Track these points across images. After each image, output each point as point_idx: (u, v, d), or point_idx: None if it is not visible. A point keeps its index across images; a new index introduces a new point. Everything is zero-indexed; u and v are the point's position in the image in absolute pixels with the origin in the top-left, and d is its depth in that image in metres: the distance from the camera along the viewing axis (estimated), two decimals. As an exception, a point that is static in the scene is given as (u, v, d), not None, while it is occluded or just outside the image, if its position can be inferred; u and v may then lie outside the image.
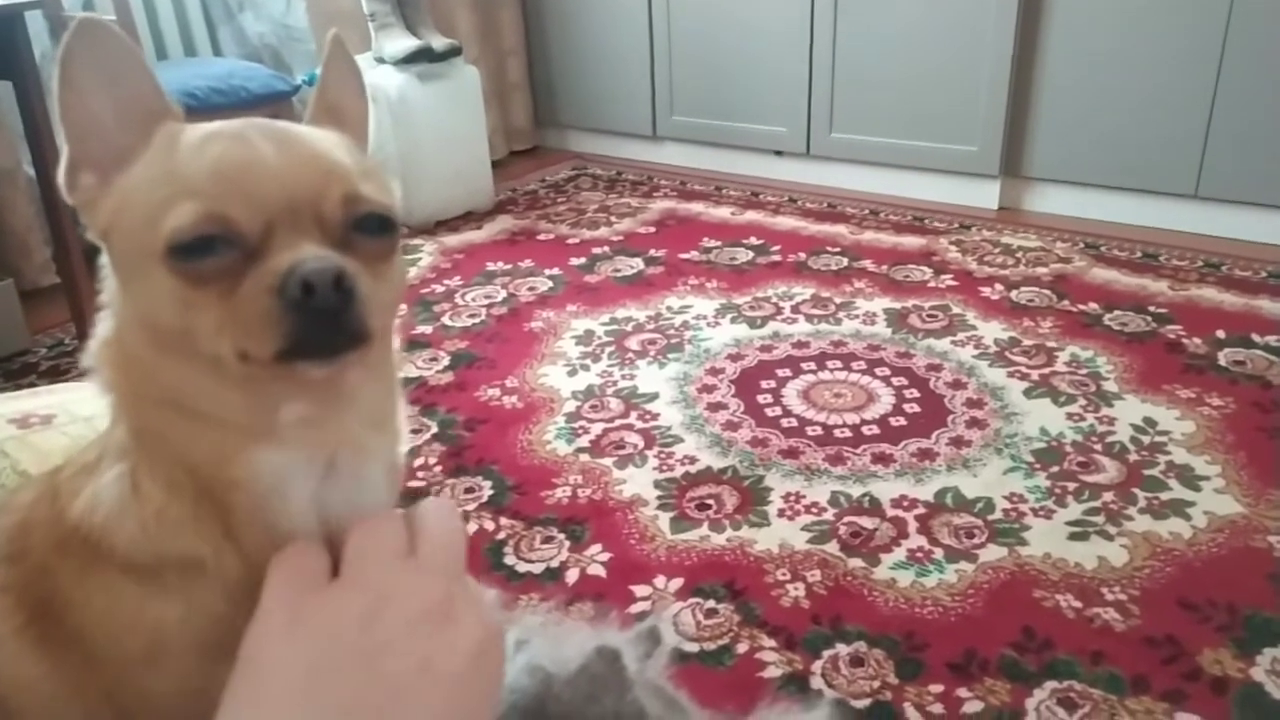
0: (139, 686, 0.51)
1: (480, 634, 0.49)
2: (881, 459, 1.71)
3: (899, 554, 1.46)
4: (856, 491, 1.62)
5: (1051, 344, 2.10)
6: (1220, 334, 2.10)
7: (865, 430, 1.80)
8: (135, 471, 0.50)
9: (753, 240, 2.76)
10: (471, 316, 2.34)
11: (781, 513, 1.57)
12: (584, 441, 1.79)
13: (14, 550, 0.53)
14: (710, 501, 1.61)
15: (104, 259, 0.51)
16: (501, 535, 1.54)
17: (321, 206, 0.47)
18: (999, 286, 2.39)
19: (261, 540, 0.50)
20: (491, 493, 1.65)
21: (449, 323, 2.31)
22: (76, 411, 0.73)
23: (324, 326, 0.45)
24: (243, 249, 0.46)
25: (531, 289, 2.49)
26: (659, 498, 1.62)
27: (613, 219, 2.98)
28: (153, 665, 0.50)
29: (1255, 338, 2.08)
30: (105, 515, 0.50)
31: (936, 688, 1.22)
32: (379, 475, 0.54)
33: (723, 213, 3.00)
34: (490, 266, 2.65)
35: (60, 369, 2.19)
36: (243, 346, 0.45)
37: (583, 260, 2.67)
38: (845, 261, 2.59)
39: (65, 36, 0.48)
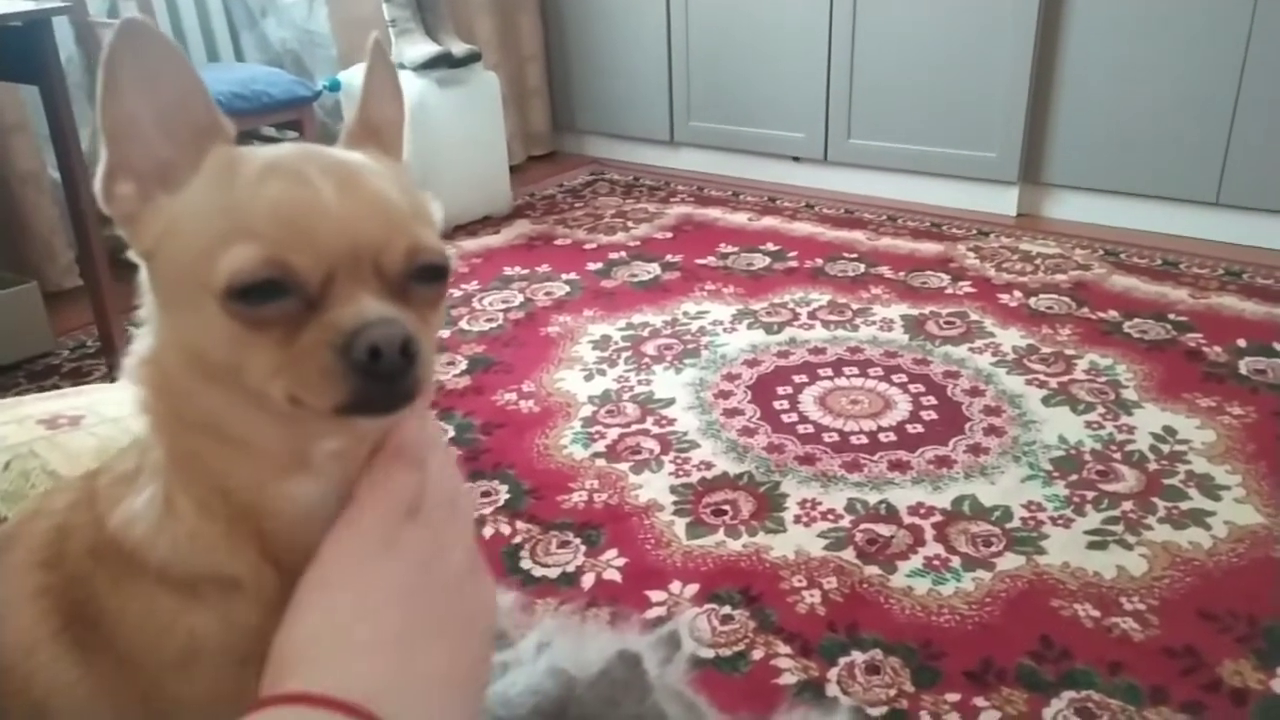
0: (172, 692, 0.51)
1: (491, 595, 0.55)
2: (898, 466, 1.70)
3: (916, 561, 1.46)
4: (873, 498, 1.61)
5: (1070, 351, 2.09)
6: (1241, 342, 2.08)
7: (882, 437, 1.80)
8: (169, 491, 0.50)
9: (770, 246, 2.76)
10: (489, 321, 2.36)
11: (798, 519, 1.57)
12: (600, 446, 1.80)
13: (51, 555, 0.53)
14: (726, 507, 1.61)
15: (143, 277, 0.50)
16: (518, 539, 1.54)
17: (383, 257, 0.47)
18: (1017, 293, 2.38)
19: (297, 560, 0.50)
20: (508, 497, 1.66)
21: (466, 327, 2.32)
22: (105, 413, 0.74)
23: (385, 387, 0.45)
24: (302, 297, 0.45)
25: (548, 294, 2.50)
26: (675, 503, 1.62)
27: (630, 224, 2.99)
28: (186, 672, 0.51)
29: (1277, 346, 2.06)
30: (141, 533, 0.50)
31: (953, 696, 1.22)
32: None
33: (740, 218, 3.00)
34: (507, 271, 2.66)
35: (83, 371, 2.21)
36: (298, 395, 0.45)
37: (600, 265, 2.67)
38: (862, 268, 2.59)
39: (110, 37, 0.47)
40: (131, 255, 0.50)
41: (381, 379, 0.44)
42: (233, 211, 0.46)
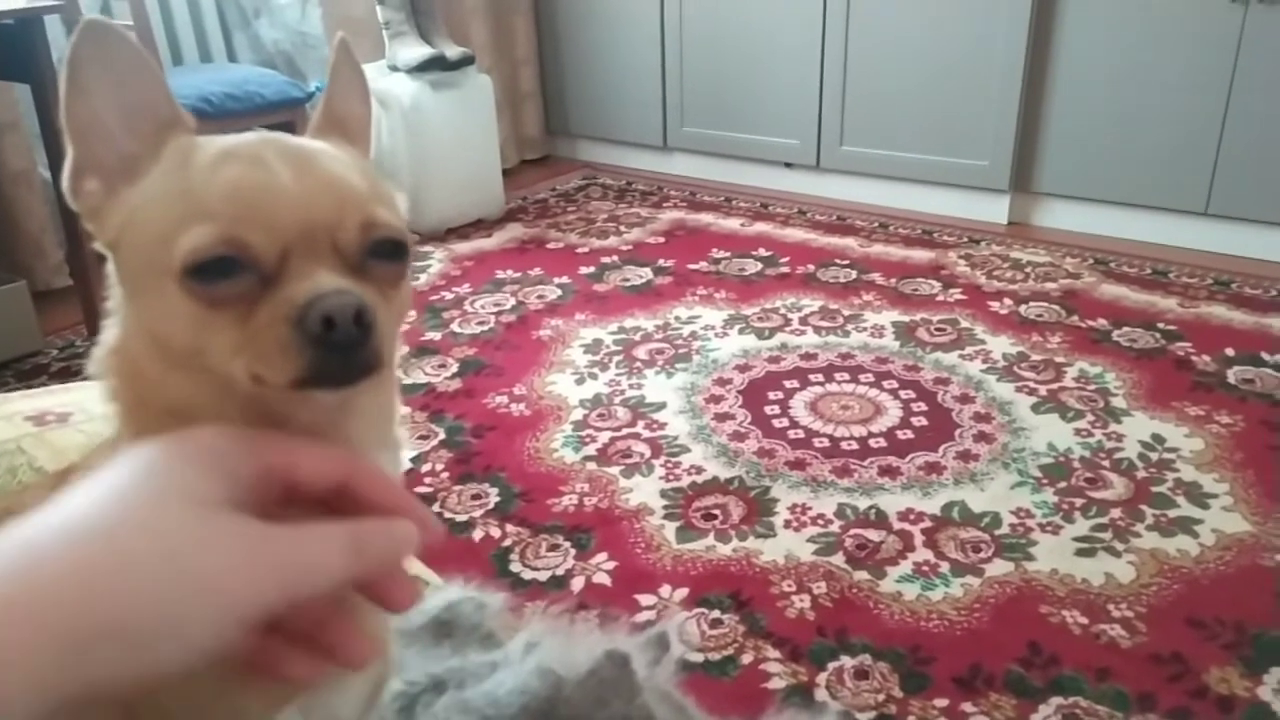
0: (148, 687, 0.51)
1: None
2: (888, 472, 1.71)
3: (905, 567, 1.46)
4: (863, 504, 1.62)
5: (1060, 359, 2.09)
6: (1230, 352, 2.10)
7: (872, 443, 1.80)
8: None
9: (762, 252, 2.77)
10: (480, 324, 2.35)
11: (788, 524, 1.57)
12: (591, 450, 1.80)
13: None
14: (716, 512, 1.61)
15: (110, 268, 0.51)
16: (507, 542, 1.54)
17: (338, 233, 0.48)
18: (1008, 301, 2.39)
19: None
20: (498, 500, 1.65)
21: (458, 330, 2.32)
22: (93, 410, 0.73)
23: (341, 358, 0.45)
24: (259, 274, 0.46)
25: (540, 297, 2.50)
26: (665, 507, 1.62)
27: (622, 229, 2.99)
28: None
29: (1265, 356, 2.07)
30: None
31: (941, 702, 1.22)
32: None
33: (732, 224, 3.01)
34: (500, 274, 2.66)
35: (72, 370, 2.20)
36: (257, 371, 0.46)
37: (592, 269, 2.67)
38: (854, 274, 2.59)
39: (72, 38, 0.48)
40: (98, 246, 0.51)
41: (337, 349, 0.45)
42: (189, 195, 0.47)
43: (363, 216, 0.48)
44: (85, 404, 0.74)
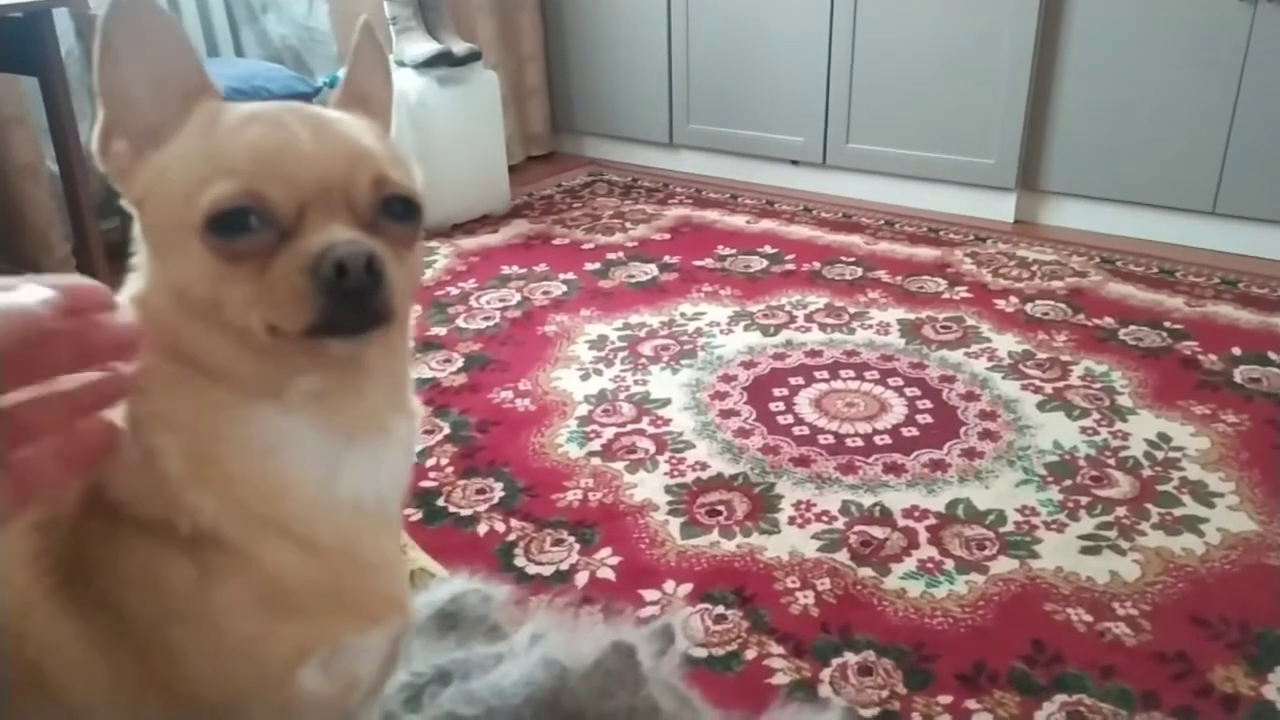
0: (167, 645, 0.52)
1: None
2: (893, 469, 1.70)
3: (909, 564, 1.46)
4: (868, 501, 1.61)
5: (1066, 358, 2.09)
6: (1236, 351, 2.09)
7: (877, 440, 1.80)
8: (145, 438, 0.51)
9: (767, 249, 2.77)
10: (486, 319, 2.35)
11: (792, 520, 1.57)
12: (596, 445, 1.80)
13: (45, 517, 0.54)
14: (721, 508, 1.61)
15: (136, 226, 0.53)
16: (512, 537, 1.54)
17: (352, 190, 0.50)
18: (1014, 299, 2.39)
19: (254, 494, 0.51)
20: (503, 494, 1.65)
21: (463, 325, 2.32)
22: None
23: (353, 306, 0.47)
24: (277, 229, 0.48)
25: (546, 293, 2.50)
26: (669, 503, 1.62)
27: (628, 225, 2.99)
28: (180, 621, 0.52)
29: (1272, 355, 2.07)
30: (123, 480, 0.51)
31: (945, 699, 1.22)
32: (398, 454, 0.56)
33: (738, 221, 3.01)
34: (505, 270, 2.66)
35: (78, 363, 2.20)
36: (273, 320, 0.47)
37: (597, 265, 2.67)
38: (860, 271, 2.59)
39: (106, 6, 0.49)
40: (125, 205, 0.53)
41: (349, 296, 0.46)
42: (215, 154, 0.49)
43: (375, 173, 0.51)
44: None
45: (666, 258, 2.71)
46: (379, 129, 0.56)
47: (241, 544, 0.51)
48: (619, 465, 1.73)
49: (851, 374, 2.05)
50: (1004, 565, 1.45)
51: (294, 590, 0.52)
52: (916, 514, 1.58)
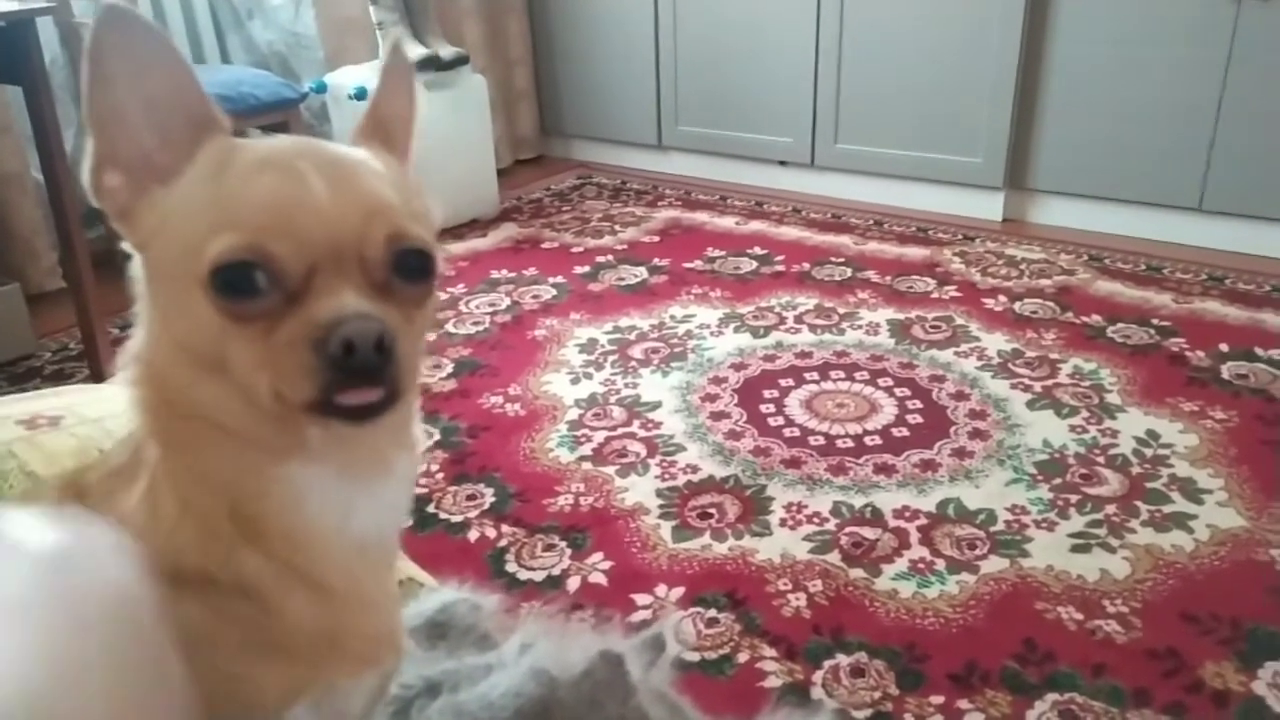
0: None
1: None
2: (884, 469, 1.71)
3: (901, 565, 1.46)
4: (858, 502, 1.62)
5: (1055, 356, 2.10)
6: (1224, 347, 2.10)
7: (868, 441, 1.80)
8: (155, 488, 0.50)
9: (757, 250, 2.77)
10: (475, 324, 2.35)
11: (783, 522, 1.57)
12: (586, 449, 1.79)
13: None
14: (712, 510, 1.61)
15: (136, 270, 0.50)
16: (503, 543, 1.54)
17: (365, 249, 0.47)
18: (1002, 298, 2.40)
19: (287, 545, 0.50)
20: (493, 500, 1.65)
21: (453, 330, 2.32)
22: (84, 413, 0.73)
23: (361, 381, 0.45)
24: (283, 291, 0.45)
25: (535, 297, 2.50)
26: (661, 506, 1.62)
27: (617, 228, 2.99)
28: (182, 661, 0.51)
29: (1259, 351, 2.08)
30: (133, 532, 0.51)
31: (937, 699, 1.22)
32: (400, 488, 0.55)
33: (727, 222, 3.01)
34: (495, 274, 2.66)
35: (65, 373, 2.19)
36: (278, 388, 0.45)
37: (587, 269, 2.67)
38: (849, 272, 2.59)
39: (93, 23, 0.46)
40: (126, 248, 0.50)
41: (355, 374, 0.44)
42: (223, 203, 0.46)
43: (391, 230, 0.48)
44: (77, 407, 0.74)
45: (656, 260, 2.71)
46: (399, 169, 0.53)
47: (275, 597, 0.50)
48: (610, 469, 1.73)
49: (841, 375, 2.05)
50: (995, 564, 1.46)
51: (299, 635, 0.52)
52: (907, 514, 1.58)
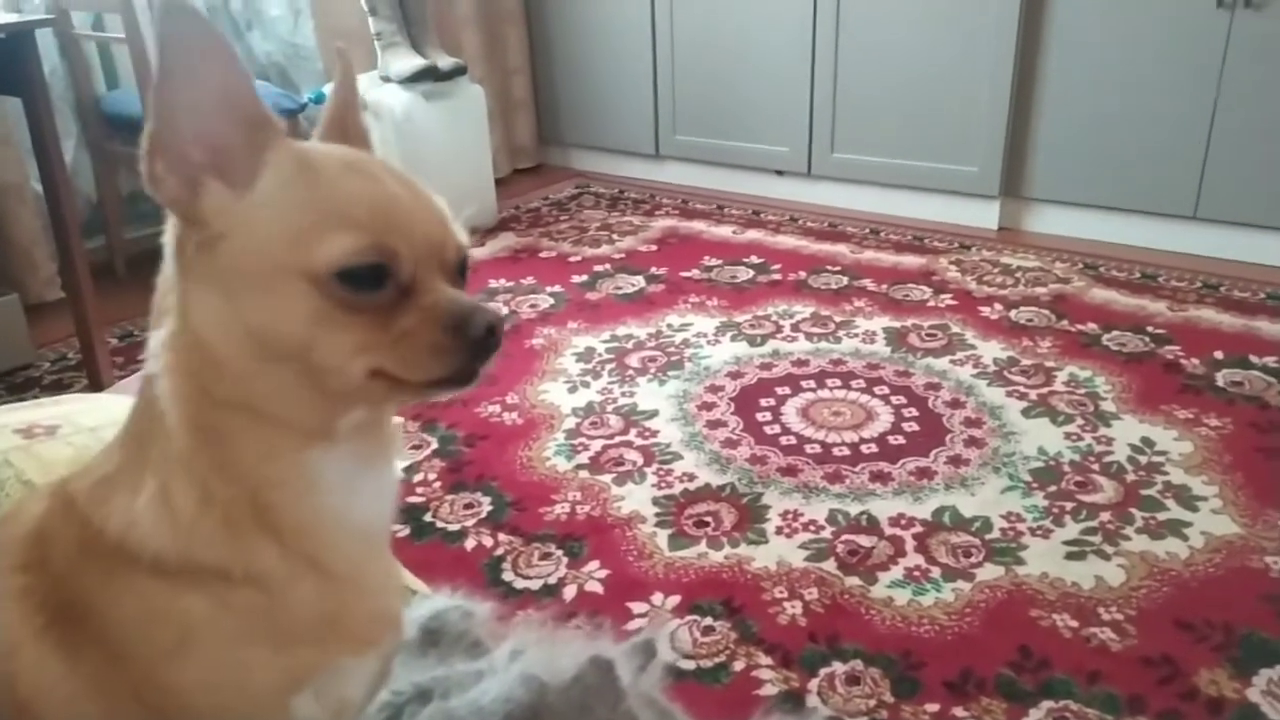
0: (166, 681, 0.52)
1: None
2: (880, 477, 1.71)
3: (896, 572, 1.47)
4: (854, 510, 1.62)
5: (1050, 364, 2.10)
6: (1218, 355, 2.11)
7: (864, 449, 1.80)
8: (170, 486, 0.51)
9: (753, 259, 2.78)
10: (473, 333, 2.35)
11: (779, 530, 1.57)
12: (583, 458, 1.80)
13: (32, 558, 0.54)
14: (708, 519, 1.61)
15: (169, 269, 0.51)
16: (500, 551, 1.54)
17: (445, 253, 0.54)
18: (998, 306, 2.40)
19: (299, 532, 0.53)
20: (490, 509, 1.66)
21: (451, 339, 2.32)
22: (81, 422, 0.74)
23: (484, 360, 0.52)
24: (397, 284, 0.50)
25: (533, 306, 2.51)
26: (657, 515, 1.62)
27: (615, 237, 3.00)
28: (181, 656, 0.52)
29: (1253, 359, 2.09)
30: (144, 529, 0.52)
31: (933, 707, 1.22)
32: (395, 475, 0.59)
33: (724, 231, 3.02)
34: (492, 283, 2.66)
35: (64, 383, 2.20)
36: (397, 370, 0.49)
37: (584, 278, 2.68)
38: (845, 280, 2.60)
39: (157, 20, 0.49)
40: (169, 240, 0.52)
41: (485, 353, 0.51)
42: (323, 203, 0.50)
43: (459, 240, 0.56)
44: (73, 416, 0.75)
45: (653, 269, 2.72)
46: None
47: (285, 583, 0.52)
48: (607, 478, 1.73)
49: (838, 383, 2.06)
50: (990, 572, 1.46)
51: (303, 620, 0.53)
52: (903, 522, 1.58)
